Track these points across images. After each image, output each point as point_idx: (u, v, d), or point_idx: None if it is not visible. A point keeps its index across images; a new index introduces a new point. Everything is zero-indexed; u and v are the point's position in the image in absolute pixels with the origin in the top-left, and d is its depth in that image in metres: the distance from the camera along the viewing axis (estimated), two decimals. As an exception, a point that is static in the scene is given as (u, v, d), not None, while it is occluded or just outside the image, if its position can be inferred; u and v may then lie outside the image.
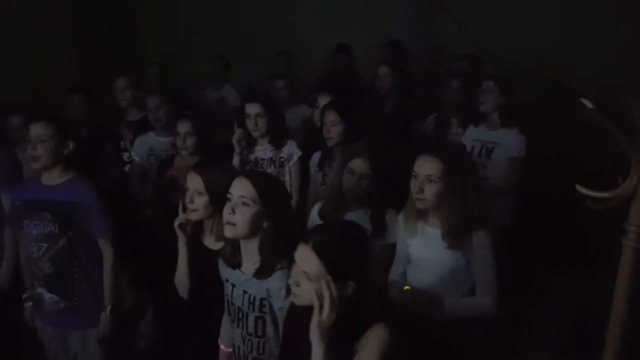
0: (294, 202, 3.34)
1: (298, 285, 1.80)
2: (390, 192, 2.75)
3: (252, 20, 6.10)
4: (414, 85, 4.49)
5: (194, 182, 2.44)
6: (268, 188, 2.13)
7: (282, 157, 3.49)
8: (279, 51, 5.41)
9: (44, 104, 3.90)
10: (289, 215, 2.23)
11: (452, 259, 2.42)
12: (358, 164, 2.72)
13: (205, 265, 2.42)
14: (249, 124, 3.42)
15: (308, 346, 1.72)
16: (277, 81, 4.52)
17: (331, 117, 3.30)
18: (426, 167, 2.40)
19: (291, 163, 3.49)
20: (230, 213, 2.09)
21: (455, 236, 2.39)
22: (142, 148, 3.76)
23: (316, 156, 3.45)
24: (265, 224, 2.08)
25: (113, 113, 4.17)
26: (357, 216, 2.70)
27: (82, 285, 2.78)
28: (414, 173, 2.44)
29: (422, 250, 2.50)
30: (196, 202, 2.42)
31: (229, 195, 2.12)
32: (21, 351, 3.13)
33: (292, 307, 1.93)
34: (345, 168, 2.76)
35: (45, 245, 2.73)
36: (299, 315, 1.85)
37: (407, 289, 2.44)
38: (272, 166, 3.46)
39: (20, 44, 5.14)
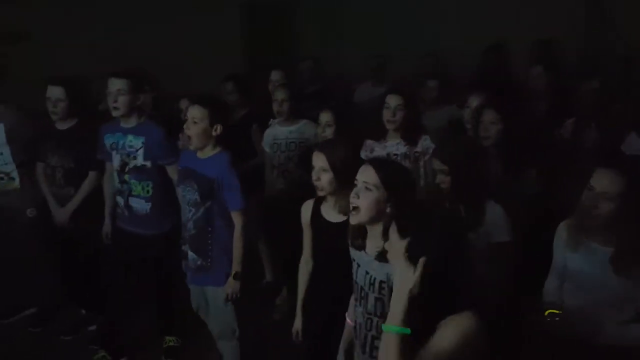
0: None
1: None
2: (481, 187, 2.74)
3: (403, 18, 6.20)
4: (565, 86, 4.30)
5: (319, 161, 2.64)
6: (391, 174, 2.23)
7: (416, 152, 3.50)
8: (429, 50, 5.44)
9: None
10: (412, 202, 2.29)
11: (617, 281, 2.29)
12: (435, 163, 2.82)
13: (327, 238, 2.65)
14: (387, 114, 3.47)
15: None
16: (430, 81, 4.57)
17: (490, 116, 3.27)
18: (605, 182, 2.26)
19: (427, 157, 3.47)
20: (354, 197, 2.23)
21: (626, 259, 2.25)
22: (268, 138, 4.05)
23: None
24: (388, 210, 2.19)
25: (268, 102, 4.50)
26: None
27: (215, 249, 3.09)
28: (590, 186, 2.31)
29: (584, 267, 2.38)
30: (322, 179, 2.63)
31: (355, 182, 2.26)
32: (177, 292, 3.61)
33: None
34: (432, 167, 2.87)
35: (193, 210, 3.09)
36: None
37: (550, 312, 2.36)
38: (407, 161, 3.48)
39: (195, 39, 5.76)
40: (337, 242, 2.57)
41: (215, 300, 3.17)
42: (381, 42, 5.98)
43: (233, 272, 3.05)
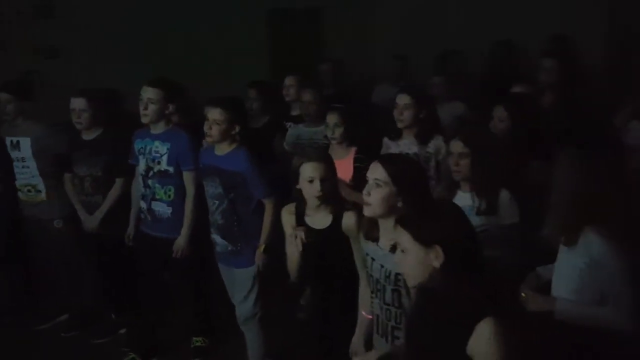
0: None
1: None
2: (498, 172, 2.79)
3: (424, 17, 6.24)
4: (579, 79, 4.25)
5: (317, 171, 2.66)
6: (399, 170, 2.27)
7: (428, 152, 3.49)
8: (450, 49, 5.47)
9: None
10: (424, 196, 2.32)
11: (576, 257, 2.25)
12: (453, 145, 2.84)
13: (312, 246, 2.66)
14: (396, 113, 3.51)
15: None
16: (435, 78, 4.68)
17: (499, 113, 3.33)
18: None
19: (440, 157, 3.44)
20: (366, 194, 2.29)
21: (567, 234, 2.25)
22: (291, 138, 4.15)
23: None
24: (399, 204, 2.23)
25: (285, 106, 4.61)
26: (466, 196, 2.82)
27: (241, 234, 3.28)
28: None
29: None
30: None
31: (367, 179, 2.32)
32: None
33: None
34: (448, 151, 2.89)
35: (217, 202, 3.28)
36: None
37: (523, 295, 2.38)
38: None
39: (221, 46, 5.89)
40: (323, 249, 2.65)
41: (242, 280, 3.35)
42: (404, 43, 6.02)
43: (263, 246, 3.22)
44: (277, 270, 3.15)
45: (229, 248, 3.31)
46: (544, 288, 2.44)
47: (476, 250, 1.81)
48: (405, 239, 1.80)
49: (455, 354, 1.72)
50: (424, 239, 1.76)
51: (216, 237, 3.35)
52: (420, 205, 1.97)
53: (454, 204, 2.05)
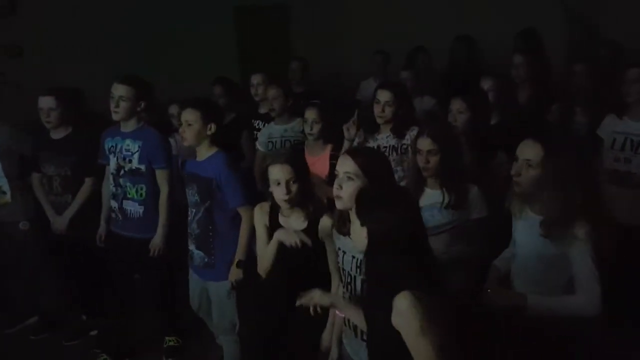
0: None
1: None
2: (467, 167, 2.84)
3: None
4: (549, 73, 4.35)
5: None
6: (369, 162, 2.30)
7: (404, 145, 3.50)
8: (417, 45, 5.49)
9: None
10: (388, 186, 2.32)
11: (547, 249, 2.33)
12: (421, 143, 2.83)
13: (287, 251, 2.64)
14: (377, 109, 3.51)
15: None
16: (403, 72, 4.74)
17: (457, 105, 3.37)
18: (526, 150, 2.40)
19: None
20: (337, 188, 2.30)
21: (553, 226, 2.29)
22: (263, 138, 4.14)
23: None
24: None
25: (253, 104, 4.60)
26: (435, 194, 2.82)
27: (217, 245, 3.19)
28: (515, 156, 2.45)
29: (522, 234, 2.47)
30: (292, 188, 2.64)
31: (336, 172, 2.34)
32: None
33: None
34: (415, 148, 2.89)
35: (194, 210, 3.21)
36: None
37: (489, 292, 2.42)
38: (394, 153, 3.51)
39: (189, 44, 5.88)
40: (297, 255, 2.62)
41: (217, 295, 3.26)
42: (381, 38, 6.07)
43: (236, 261, 3.13)
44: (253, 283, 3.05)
45: (205, 260, 3.23)
46: (504, 281, 2.52)
47: (410, 243, 1.88)
48: (353, 213, 1.97)
49: (385, 327, 1.81)
50: (360, 218, 1.92)
51: (192, 249, 3.28)
52: (379, 192, 2.05)
53: (410, 199, 2.08)
